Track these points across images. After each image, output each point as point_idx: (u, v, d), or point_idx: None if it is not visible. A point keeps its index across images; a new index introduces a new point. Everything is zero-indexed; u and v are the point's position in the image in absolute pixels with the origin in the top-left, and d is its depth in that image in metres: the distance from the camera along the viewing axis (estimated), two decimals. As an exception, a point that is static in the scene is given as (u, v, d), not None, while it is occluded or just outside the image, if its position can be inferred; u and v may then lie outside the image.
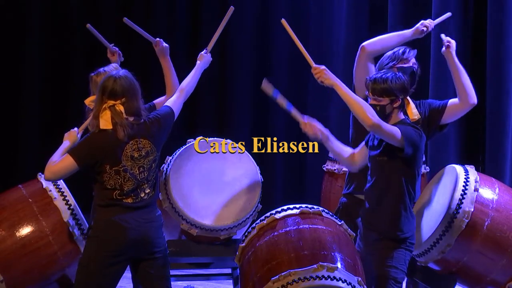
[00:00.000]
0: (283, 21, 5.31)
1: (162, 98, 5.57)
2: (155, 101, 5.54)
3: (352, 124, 5.66)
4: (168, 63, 5.59)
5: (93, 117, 4.93)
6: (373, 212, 5.07)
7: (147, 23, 9.47)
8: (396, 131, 4.90)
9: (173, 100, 5.21)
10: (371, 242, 5.08)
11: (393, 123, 5.00)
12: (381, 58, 5.66)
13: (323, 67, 5.08)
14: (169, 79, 5.57)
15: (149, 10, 9.80)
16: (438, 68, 8.06)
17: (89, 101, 5.48)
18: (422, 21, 5.65)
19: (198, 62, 5.51)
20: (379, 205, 5.04)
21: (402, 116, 5.06)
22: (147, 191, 4.97)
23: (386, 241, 5.01)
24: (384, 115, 4.99)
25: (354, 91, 5.60)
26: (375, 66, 5.62)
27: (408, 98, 5.23)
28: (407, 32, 5.65)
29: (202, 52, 5.55)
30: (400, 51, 5.61)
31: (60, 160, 4.88)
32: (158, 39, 5.57)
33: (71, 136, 5.07)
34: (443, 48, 5.55)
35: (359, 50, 5.58)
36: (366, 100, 5.07)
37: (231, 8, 5.63)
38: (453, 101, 5.61)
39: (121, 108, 4.89)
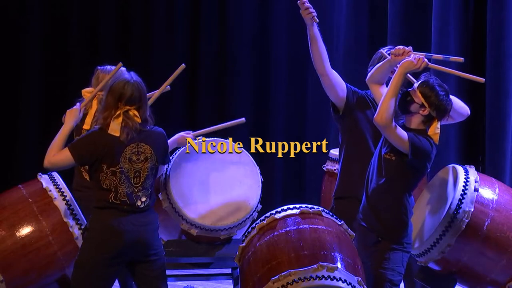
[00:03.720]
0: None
1: None
2: None
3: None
4: None
5: (102, 116, 4.93)
6: (373, 212, 5.06)
7: (146, 22, 9.48)
8: (403, 135, 4.89)
9: None
10: (370, 244, 5.07)
11: (413, 127, 5.00)
12: None
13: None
14: None
15: (148, 11, 9.80)
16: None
17: (86, 91, 5.48)
18: None
19: None
20: (379, 205, 5.04)
21: (423, 126, 5.02)
22: (143, 199, 4.96)
23: (384, 242, 5.02)
24: (406, 108, 4.99)
25: (332, 109, 5.57)
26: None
27: (438, 123, 5.05)
28: (309, 28, 5.58)
29: None
30: (377, 55, 5.52)
31: (60, 153, 4.93)
32: None
33: (73, 115, 5.10)
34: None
35: (321, 79, 5.46)
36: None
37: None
38: None
39: (135, 113, 4.91)
